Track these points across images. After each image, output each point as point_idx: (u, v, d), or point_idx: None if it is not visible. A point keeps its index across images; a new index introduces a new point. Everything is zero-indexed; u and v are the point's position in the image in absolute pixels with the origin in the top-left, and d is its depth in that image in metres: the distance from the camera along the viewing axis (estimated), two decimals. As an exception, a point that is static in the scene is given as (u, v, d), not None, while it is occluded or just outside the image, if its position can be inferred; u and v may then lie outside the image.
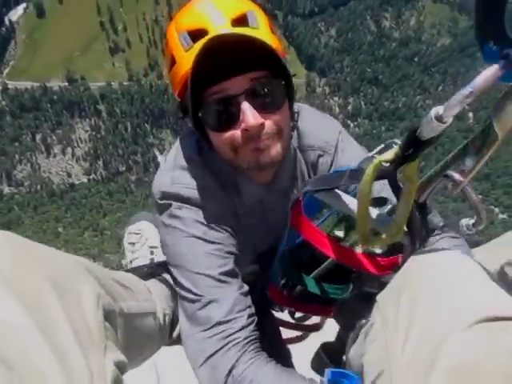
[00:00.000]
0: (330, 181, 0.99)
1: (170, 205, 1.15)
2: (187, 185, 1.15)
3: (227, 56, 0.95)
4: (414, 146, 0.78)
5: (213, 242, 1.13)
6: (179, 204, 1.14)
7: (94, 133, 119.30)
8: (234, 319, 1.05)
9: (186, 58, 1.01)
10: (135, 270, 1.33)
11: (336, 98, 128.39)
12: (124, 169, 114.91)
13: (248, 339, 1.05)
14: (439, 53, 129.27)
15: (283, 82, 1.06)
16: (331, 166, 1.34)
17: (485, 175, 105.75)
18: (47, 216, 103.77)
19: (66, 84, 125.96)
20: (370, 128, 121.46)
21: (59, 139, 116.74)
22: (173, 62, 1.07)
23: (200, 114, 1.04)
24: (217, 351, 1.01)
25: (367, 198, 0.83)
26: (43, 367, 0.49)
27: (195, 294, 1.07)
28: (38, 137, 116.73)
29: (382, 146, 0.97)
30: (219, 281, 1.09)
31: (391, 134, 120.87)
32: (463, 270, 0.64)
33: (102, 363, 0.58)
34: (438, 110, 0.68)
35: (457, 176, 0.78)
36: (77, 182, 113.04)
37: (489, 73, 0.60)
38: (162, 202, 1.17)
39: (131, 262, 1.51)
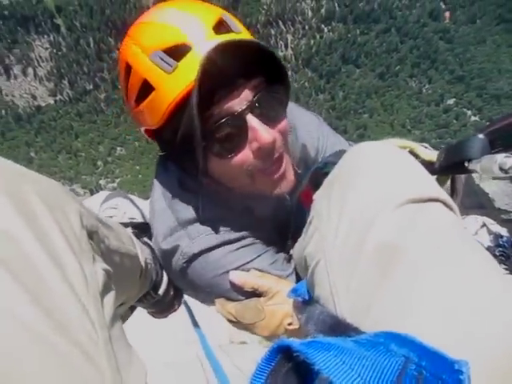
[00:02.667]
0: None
1: (199, 260, 1.07)
2: (208, 232, 1.06)
3: (225, 68, 0.83)
4: (456, 168, 0.85)
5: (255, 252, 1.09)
6: (208, 254, 1.06)
7: (54, 50, 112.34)
8: None
9: (173, 79, 0.84)
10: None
11: (308, 1, 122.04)
12: (91, 87, 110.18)
13: None
14: None
15: (282, 86, 0.96)
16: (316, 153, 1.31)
17: (459, 77, 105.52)
18: (17, 142, 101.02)
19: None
20: (345, 32, 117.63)
21: (18, 59, 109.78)
22: (147, 89, 0.88)
23: (204, 142, 0.87)
24: None
25: None
26: (45, 273, 0.53)
27: None
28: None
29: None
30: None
31: (367, 38, 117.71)
32: (393, 157, 0.67)
33: (92, 268, 0.63)
34: (507, 161, 0.71)
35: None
36: (43, 104, 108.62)
37: None
38: (187, 261, 1.07)
39: None
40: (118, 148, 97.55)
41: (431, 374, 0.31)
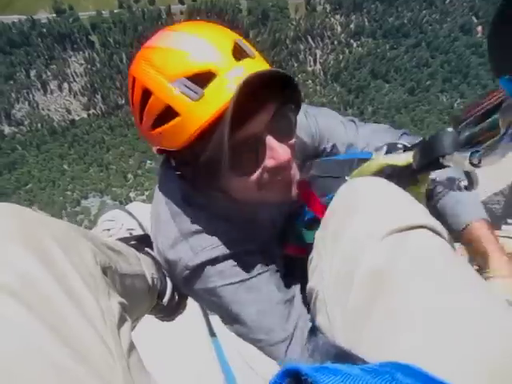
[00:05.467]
0: (333, 168, 1.10)
1: (202, 272, 1.08)
2: (211, 245, 1.08)
3: (251, 97, 0.85)
4: (433, 166, 0.88)
5: (258, 273, 1.11)
6: (211, 267, 1.08)
7: (88, 66, 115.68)
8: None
9: (199, 108, 0.86)
10: (124, 242, 1.34)
11: (338, 16, 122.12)
12: (123, 102, 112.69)
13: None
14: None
15: (293, 106, 1.01)
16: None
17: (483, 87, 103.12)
18: (51, 154, 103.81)
19: (54, 15, 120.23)
20: (374, 47, 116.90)
21: (54, 74, 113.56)
22: (171, 115, 0.89)
23: (229, 163, 0.89)
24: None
25: None
26: (65, 311, 0.58)
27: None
28: (33, 73, 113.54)
29: (385, 146, 1.07)
30: (286, 307, 1.10)
31: (396, 53, 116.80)
32: (380, 192, 0.73)
33: (108, 303, 0.68)
34: (474, 159, 0.78)
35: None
36: (77, 118, 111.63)
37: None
38: (190, 273, 1.10)
39: None
40: (148, 161, 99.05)
41: None
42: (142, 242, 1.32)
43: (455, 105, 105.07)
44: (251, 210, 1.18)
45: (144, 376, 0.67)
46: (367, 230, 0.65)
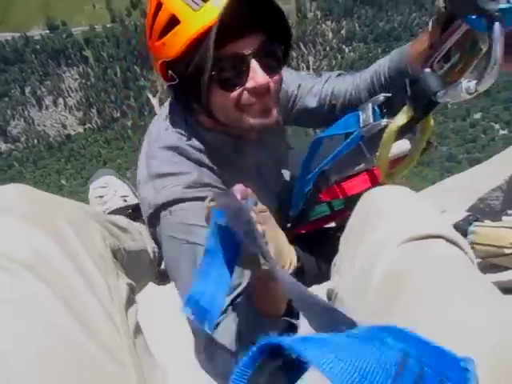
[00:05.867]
0: (345, 164, 1.23)
1: (161, 212, 1.11)
2: (172, 184, 1.12)
3: (240, 16, 0.97)
4: (431, 107, 0.91)
5: None
6: (171, 207, 1.11)
7: (83, 80, 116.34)
8: None
9: (197, 17, 0.99)
10: (120, 212, 1.38)
11: (329, 23, 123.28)
12: (119, 115, 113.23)
13: None
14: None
15: (283, 46, 1.12)
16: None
17: (484, 91, 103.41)
18: (48, 169, 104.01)
19: (48, 32, 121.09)
20: (366, 51, 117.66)
21: (49, 90, 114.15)
22: (174, 23, 1.03)
23: (213, 74, 1.01)
24: None
25: (387, 159, 1.00)
26: (78, 288, 0.62)
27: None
28: (27, 90, 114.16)
29: (370, 103, 1.12)
30: None
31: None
32: (399, 200, 0.77)
33: (117, 284, 0.73)
34: (470, 85, 0.81)
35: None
36: (73, 133, 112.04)
37: (498, 36, 0.73)
38: (151, 213, 1.14)
39: (104, 212, 1.48)
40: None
41: (433, 370, 0.30)
42: (138, 210, 1.34)
43: (449, 105, 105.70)
44: (233, 145, 1.23)
45: (149, 356, 0.70)
46: (387, 235, 0.67)
